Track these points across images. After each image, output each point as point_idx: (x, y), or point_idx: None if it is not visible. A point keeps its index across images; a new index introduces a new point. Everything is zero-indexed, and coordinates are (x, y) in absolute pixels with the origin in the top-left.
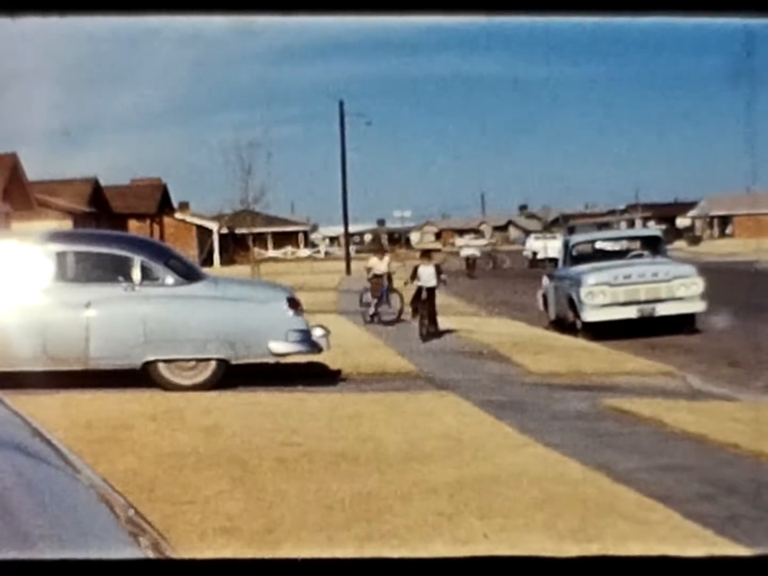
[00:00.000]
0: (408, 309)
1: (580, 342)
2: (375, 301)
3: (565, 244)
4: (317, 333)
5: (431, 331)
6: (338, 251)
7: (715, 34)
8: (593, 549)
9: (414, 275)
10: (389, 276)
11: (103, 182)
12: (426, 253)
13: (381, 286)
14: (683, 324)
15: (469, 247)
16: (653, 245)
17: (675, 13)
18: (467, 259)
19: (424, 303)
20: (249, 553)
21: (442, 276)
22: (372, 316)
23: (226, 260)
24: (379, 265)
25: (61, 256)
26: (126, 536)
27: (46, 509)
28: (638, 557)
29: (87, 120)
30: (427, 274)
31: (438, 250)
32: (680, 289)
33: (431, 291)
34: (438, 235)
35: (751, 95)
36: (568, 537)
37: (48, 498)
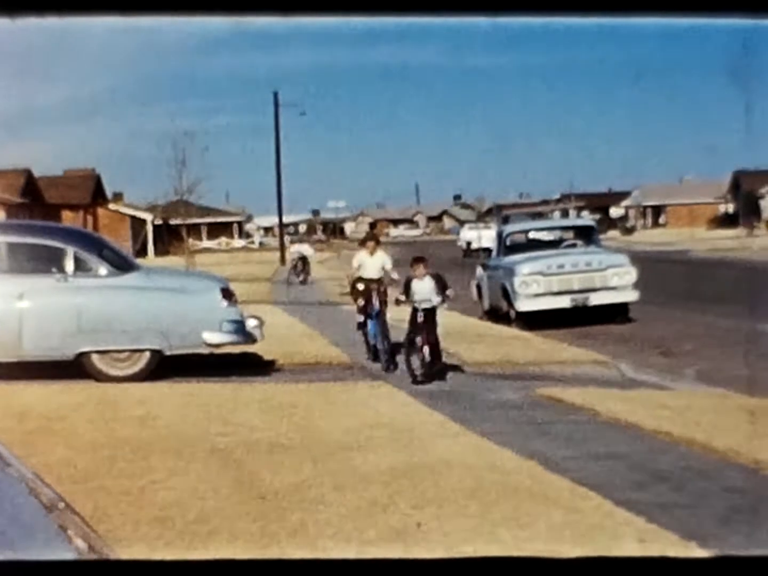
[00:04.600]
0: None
1: (514, 331)
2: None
3: (499, 234)
4: (251, 323)
5: (432, 369)
6: (273, 242)
7: (639, 27)
8: (526, 535)
9: (407, 291)
10: (383, 287)
11: (36, 173)
12: (420, 260)
13: (371, 303)
14: (616, 313)
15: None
16: (587, 235)
17: (675, 13)
18: None
19: (421, 329)
20: (181, 544)
21: (448, 291)
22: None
23: (160, 251)
24: (369, 263)
25: None
26: (56, 529)
27: None
28: (637, 558)
29: (20, 111)
30: (425, 290)
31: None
32: (613, 279)
33: (431, 313)
34: (372, 225)
35: (675, 86)
36: (501, 525)
37: None
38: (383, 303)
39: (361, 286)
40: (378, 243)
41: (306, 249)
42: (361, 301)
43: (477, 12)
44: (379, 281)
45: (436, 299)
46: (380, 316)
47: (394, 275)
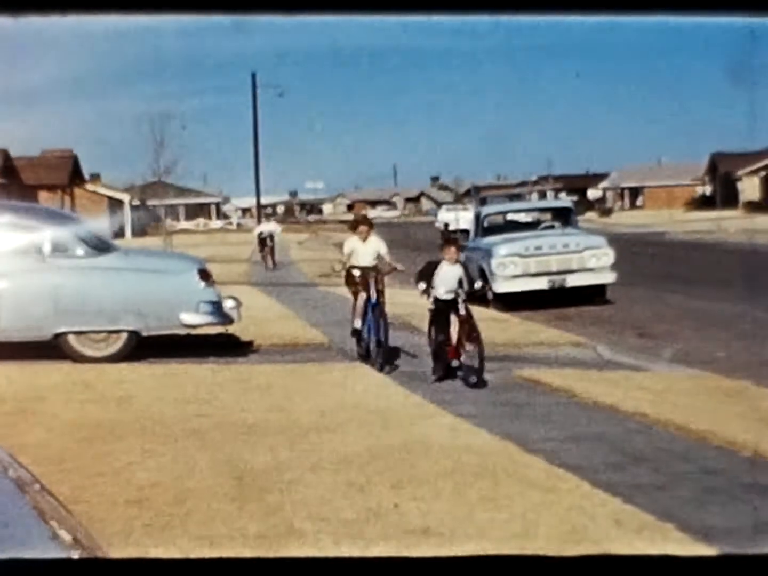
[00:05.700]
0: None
1: (492, 313)
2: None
3: (477, 216)
4: (229, 304)
5: (474, 378)
6: (251, 223)
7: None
8: (503, 517)
9: (428, 278)
10: (380, 275)
11: (13, 153)
12: (452, 243)
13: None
14: (594, 295)
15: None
16: (564, 216)
17: (676, 13)
18: None
19: (446, 324)
20: (158, 523)
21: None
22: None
23: (137, 232)
24: (362, 250)
25: None
26: (32, 511)
27: None
28: (638, 557)
29: None
30: (454, 277)
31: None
32: (591, 260)
33: (453, 305)
34: (350, 207)
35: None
36: (478, 506)
37: None
38: (381, 293)
39: (356, 277)
40: (371, 227)
41: (273, 227)
42: (363, 294)
43: (477, 11)
44: (375, 269)
45: (462, 288)
46: (379, 307)
47: (399, 266)
